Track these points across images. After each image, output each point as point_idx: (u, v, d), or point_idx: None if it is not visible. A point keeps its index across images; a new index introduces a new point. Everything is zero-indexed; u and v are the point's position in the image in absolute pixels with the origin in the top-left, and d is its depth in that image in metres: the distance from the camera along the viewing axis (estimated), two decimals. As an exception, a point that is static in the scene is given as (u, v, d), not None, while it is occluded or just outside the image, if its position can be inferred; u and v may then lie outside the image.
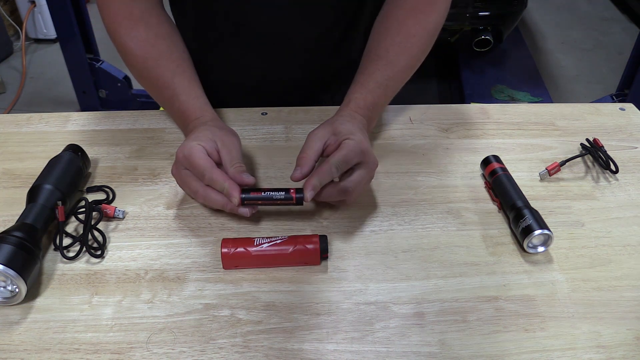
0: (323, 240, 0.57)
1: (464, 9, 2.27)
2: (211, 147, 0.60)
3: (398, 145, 0.76)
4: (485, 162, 0.69)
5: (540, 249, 0.59)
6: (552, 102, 2.20)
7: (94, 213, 0.62)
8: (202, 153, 0.59)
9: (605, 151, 0.73)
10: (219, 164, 0.60)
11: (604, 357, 0.49)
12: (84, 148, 0.68)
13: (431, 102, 0.85)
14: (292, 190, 0.58)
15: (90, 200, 0.62)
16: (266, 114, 0.82)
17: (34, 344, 0.49)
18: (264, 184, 0.69)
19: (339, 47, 0.85)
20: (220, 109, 0.81)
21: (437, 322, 0.52)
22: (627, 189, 0.69)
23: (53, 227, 0.60)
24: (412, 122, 0.81)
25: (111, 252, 0.59)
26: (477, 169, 0.71)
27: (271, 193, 0.59)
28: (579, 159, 0.73)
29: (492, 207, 0.66)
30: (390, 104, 0.75)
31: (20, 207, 0.59)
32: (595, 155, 0.73)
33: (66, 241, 0.59)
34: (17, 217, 0.58)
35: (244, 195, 0.58)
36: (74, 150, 0.67)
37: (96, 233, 0.60)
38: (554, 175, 0.71)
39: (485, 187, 0.69)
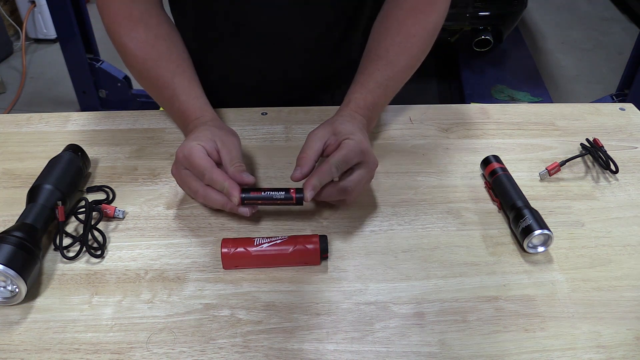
0: (323, 240, 0.57)
1: (464, 9, 2.27)
2: (211, 147, 0.60)
3: (398, 145, 0.76)
4: (485, 162, 0.69)
5: (540, 249, 0.59)
6: (552, 102, 2.20)
7: (94, 213, 0.62)
8: (202, 153, 0.59)
9: (605, 151, 0.73)
10: (219, 164, 0.60)
11: (604, 357, 0.49)
12: (84, 148, 0.68)
13: (431, 102, 0.85)
14: (292, 190, 0.58)
15: (90, 200, 0.62)
16: (266, 114, 0.82)
17: (34, 344, 0.49)
18: (264, 184, 0.69)
19: (339, 47, 0.85)
20: (220, 109, 0.81)
21: (437, 322, 0.52)
22: (627, 189, 0.69)
23: (53, 227, 0.60)
24: (412, 122, 0.81)
25: (111, 252, 0.59)
26: (477, 169, 0.72)
27: (271, 193, 0.59)
28: (579, 159, 0.73)
29: (492, 207, 0.66)
30: (390, 104, 0.75)
31: (20, 207, 0.59)
32: (595, 155, 0.73)
33: (66, 241, 0.59)
34: (17, 217, 0.58)
35: (244, 195, 0.58)
36: (74, 150, 0.67)
37: (96, 233, 0.60)
38: (554, 175, 0.71)
39: (485, 187, 0.69)
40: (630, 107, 0.86)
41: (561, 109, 0.85)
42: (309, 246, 0.56)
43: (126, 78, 2.23)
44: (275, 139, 0.77)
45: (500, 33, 2.36)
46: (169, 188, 0.68)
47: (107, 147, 0.74)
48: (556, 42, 3.17)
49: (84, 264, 0.57)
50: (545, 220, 0.60)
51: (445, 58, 2.74)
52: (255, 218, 0.63)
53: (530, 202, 0.63)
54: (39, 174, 0.63)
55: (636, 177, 0.71)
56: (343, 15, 0.82)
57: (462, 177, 0.70)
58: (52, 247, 0.59)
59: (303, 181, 0.58)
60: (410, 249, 0.60)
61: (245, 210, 0.59)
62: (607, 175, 0.72)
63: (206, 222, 0.63)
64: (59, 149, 0.68)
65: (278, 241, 0.57)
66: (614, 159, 0.71)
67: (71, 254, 0.58)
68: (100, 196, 0.66)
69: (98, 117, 0.81)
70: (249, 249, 0.56)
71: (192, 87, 0.71)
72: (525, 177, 0.70)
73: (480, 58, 2.49)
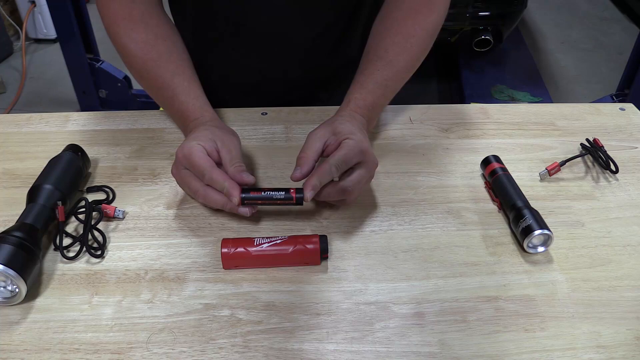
0: (323, 240, 0.57)
1: (464, 9, 2.27)
2: (211, 146, 0.60)
3: (398, 145, 0.76)
4: (485, 162, 0.69)
5: (540, 249, 0.59)
6: (552, 102, 2.20)
7: (94, 213, 0.62)
8: (201, 153, 0.59)
9: (605, 151, 0.73)
10: (218, 164, 0.60)
11: (604, 357, 0.49)
12: (84, 148, 0.68)
13: (431, 102, 0.85)
14: (292, 190, 0.58)
15: (90, 200, 0.62)
16: (266, 114, 0.82)
17: (34, 344, 0.49)
18: (264, 184, 0.69)
19: (338, 47, 0.86)
20: (220, 109, 0.81)
21: (437, 322, 0.52)
22: (627, 189, 0.69)
23: (53, 227, 0.60)
24: (412, 122, 0.81)
25: (111, 252, 0.59)
26: (477, 169, 0.71)
27: (271, 193, 0.59)
28: (579, 159, 0.73)
29: (492, 207, 0.66)
30: (390, 104, 0.75)
31: (20, 207, 0.59)
32: (595, 155, 0.73)
33: (66, 241, 0.59)
34: (17, 217, 0.58)
35: (243, 195, 0.58)
36: (74, 150, 0.67)
37: (96, 233, 0.60)
38: (554, 175, 0.71)
39: (485, 187, 0.69)
40: (630, 107, 0.86)
41: (561, 109, 0.85)
42: (309, 246, 0.56)
43: (126, 78, 2.23)
44: (275, 139, 0.77)
45: (500, 33, 2.36)
46: (169, 188, 0.68)
47: (107, 147, 0.74)
48: (556, 42, 3.17)
49: (84, 264, 0.58)
50: (545, 220, 0.60)
51: (445, 58, 2.74)
52: (255, 218, 0.63)
53: (530, 202, 0.63)
54: (39, 174, 0.63)
55: (636, 177, 0.71)
56: (342, 15, 0.82)
57: (462, 177, 0.70)
58: (52, 247, 0.59)
59: (303, 181, 0.58)
60: (410, 249, 0.60)
61: (245, 210, 0.59)
62: (607, 175, 0.72)
63: (206, 222, 0.63)
64: (59, 149, 0.68)
65: (278, 241, 0.57)
66: (614, 159, 0.71)
67: (71, 254, 0.58)
68: (100, 196, 0.66)
69: (98, 117, 0.81)
70: (249, 249, 0.56)
71: (192, 87, 0.71)
72: (525, 177, 0.70)
73: (480, 58, 2.49)
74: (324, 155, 0.62)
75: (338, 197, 0.60)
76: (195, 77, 0.72)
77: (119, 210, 0.63)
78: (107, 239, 0.60)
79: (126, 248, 0.59)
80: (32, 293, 0.54)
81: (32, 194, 0.60)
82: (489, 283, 0.56)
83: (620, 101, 2.03)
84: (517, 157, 0.74)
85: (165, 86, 0.70)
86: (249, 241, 0.57)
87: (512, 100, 2.25)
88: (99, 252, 0.58)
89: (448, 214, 0.65)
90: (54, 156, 0.65)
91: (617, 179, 0.71)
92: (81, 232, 0.60)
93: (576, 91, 2.71)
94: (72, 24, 2.07)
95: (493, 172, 0.67)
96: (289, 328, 0.51)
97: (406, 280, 0.56)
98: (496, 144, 0.77)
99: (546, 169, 0.70)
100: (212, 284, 0.56)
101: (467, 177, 0.71)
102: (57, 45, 2.26)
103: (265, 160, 0.73)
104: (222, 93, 0.83)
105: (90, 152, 0.71)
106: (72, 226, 0.62)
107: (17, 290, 0.52)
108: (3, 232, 0.54)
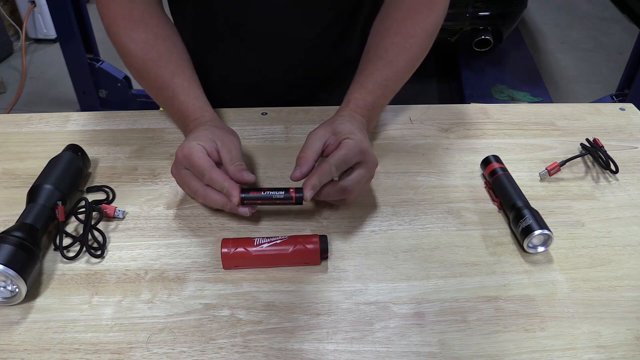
0: (323, 240, 0.57)
1: (464, 9, 2.27)
2: (211, 146, 0.60)
3: (398, 145, 0.76)
4: (485, 162, 0.69)
5: (540, 249, 0.59)
6: (552, 102, 2.20)
7: (94, 213, 0.62)
8: (201, 153, 0.59)
9: (605, 151, 0.73)
10: (218, 164, 0.60)
11: (604, 357, 0.49)
12: (84, 148, 0.68)
13: (431, 102, 0.85)
14: (291, 190, 0.58)
15: (90, 200, 0.62)
16: (266, 114, 0.82)
17: (34, 344, 0.49)
18: (264, 184, 0.69)
19: (337, 47, 0.86)
20: (220, 109, 0.81)
21: (437, 322, 0.52)
22: (627, 189, 0.69)
23: (53, 227, 0.60)
24: (412, 122, 0.81)
25: (111, 252, 0.59)
26: (477, 169, 0.71)
27: (271, 192, 0.59)
28: (579, 159, 0.73)
29: (492, 207, 0.66)
30: (390, 104, 0.75)
31: (20, 207, 0.59)
32: (595, 155, 0.73)
33: (66, 241, 0.59)
34: (17, 217, 0.58)
35: (243, 195, 0.58)
36: (74, 150, 0.67)
37: (96, 233, 0.60)
38: (554, 175, 0.71)
39: (485, 187, 0.69)
40: (630, 107, 0.86)
41: (561, 109, 0.85)
42: (309, 246, 0.56)
43: (126, 78, 2.23)
44: (275, 139, 0.77)
45: (500, 33, 2.36)
46: (169, 188, 0.68)
47: (107, 147, 0.74)
48: (556, 42, 3.17)
49: (84, 264, 0.57)
50: (545, 220, 0.60)
51: (445, 58, 2.74)
52: (255, 218, 0.63)
53: (530, 202, 0.63)
54: (39, 174, 0.63)
55: (636, 177, 0.71)
56: (341, 15, 0.82)
57: (462, 177, 0.70)
58: (52, 247, 0.59)
59: (303, 181, 0.58)
60: (410, 249, 0.60)
61: (245, 210, 0.59)
62: (607, 175, 0.72)
63: (206, 222, 0.63)
64: (59, 149, 0.68)
65: (278, 241, 0.57)
66: (614, 159, 0.71)
67: (71, 254, 0.58)
68: (100, 196, 0.66)
69: (98, 117, 0.81)
70: (249, 249, 0.56)
71: (192, 87, 0.71)
72: (525, 177, 0.70)
73: (480, 58, 2.49)
74: (323, 155, 0.62)
75: (338, 196, 0.60)
76: (195, 77, 0.72)
77: (119, 210, 0.63)
78: (107, 239, 0.60)
79: (126, 248, 0.59)
80: (32, 293, 0.54)
81: (32, 194, 0.60)
82: (489, 283, 0.56)
83: (620, 101, 2.03)
84: (517, 157, 0.74)
85: (165, 86, 0.70)
86: (249, 241, 0.57)
87: (512, 100, 2.25)
88: (99, 252, 0.58)
89: (448, 214, 0.65)
90: (54, 156, 0.65)
91: (617, 179, 0.71)
92: (81, 232, 0.60)
93: (576, 91, 2.71)
94: (72, 24, 2.07)
95: (493, 172, 0.67)
96: (289, 328, 0.51)
97: (406, 280, 0.56)
98: (496, 144, 0.77)
99: (546, 169, 0.70)
100: (212, 284, 0.56)
101: (467, 177, 0.71)
102: (57, 45, 2.26)
103: (265, 160, 0.73)
104: (222, 93, 0.83)
105: (90, 152, 0.71)
106: (72, 226, 0.62)
107: (17, 290, 0.52)
108: (3, 232, 0.54)
